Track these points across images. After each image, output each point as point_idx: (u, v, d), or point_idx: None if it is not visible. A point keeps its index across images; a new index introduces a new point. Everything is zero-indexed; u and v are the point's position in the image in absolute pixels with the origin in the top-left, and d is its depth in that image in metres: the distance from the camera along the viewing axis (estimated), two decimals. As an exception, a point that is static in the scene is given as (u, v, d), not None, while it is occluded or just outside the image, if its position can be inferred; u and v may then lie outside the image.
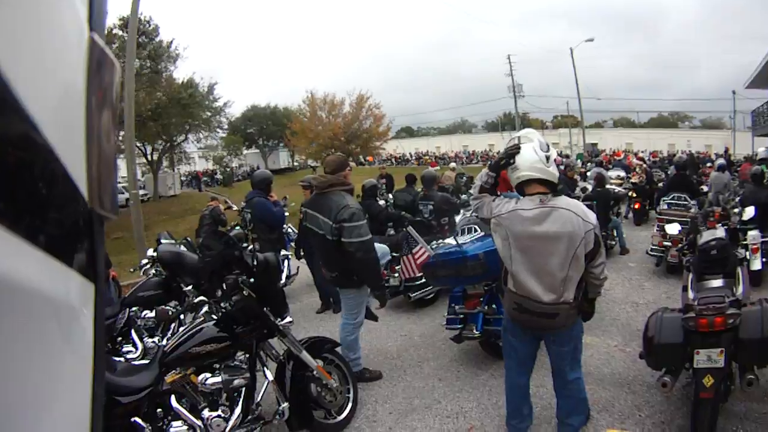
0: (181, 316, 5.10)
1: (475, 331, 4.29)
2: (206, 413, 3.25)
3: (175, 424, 3.26)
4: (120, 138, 24.54)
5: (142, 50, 20.99)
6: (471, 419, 3.76)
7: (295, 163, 50.78)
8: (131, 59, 10.15)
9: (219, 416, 3.25)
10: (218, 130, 34.50)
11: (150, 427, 3.24)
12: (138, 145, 23.36)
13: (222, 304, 3.45)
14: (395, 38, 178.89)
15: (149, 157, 30.46)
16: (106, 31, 0.48)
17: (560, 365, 3.10)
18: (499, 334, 3.98)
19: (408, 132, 72.13)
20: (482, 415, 3.78)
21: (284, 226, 7.09)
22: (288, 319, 3.54)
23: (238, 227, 8.10)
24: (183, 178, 39.67)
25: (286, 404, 3.37)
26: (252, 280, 3.31)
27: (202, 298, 3.71)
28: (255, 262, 3.39)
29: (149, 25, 22.98)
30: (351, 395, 3.90)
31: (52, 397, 0.39)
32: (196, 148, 37.94)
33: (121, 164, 33.12)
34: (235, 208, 9.11)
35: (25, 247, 0.35)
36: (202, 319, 3.42)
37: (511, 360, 3.26)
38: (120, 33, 20.64)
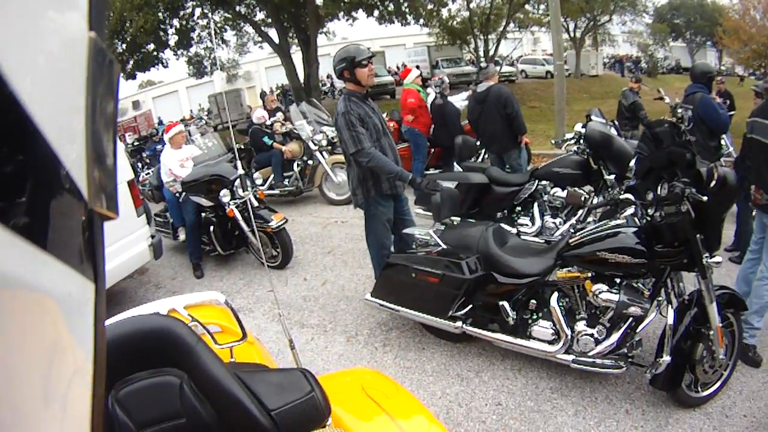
0: (595, 202, 5.09)
1: None
2: (581, 326, 3.18)
3: (541, 323, 3.33)
4: (540, 11, 28.09)
5: None
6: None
7: (722, 67, 46.21)
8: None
9: (592, 335, 3.14)
10: (644, 14, 35.65)
11: (514, 316, 3.39)
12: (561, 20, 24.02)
13: (649, 211, 3.15)
14: None
15: (572, 33, 32.43)
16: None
17: None
18: None
19: None
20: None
21: None
22: (717, 258, 3.00)
23: (667, 124, 7.16)
24: (606, 60, 40.94)
25: (667, 358, 2.94)
26: (704, 198, 2.82)
27: (629, 196, 3.46)
28: (709, 176, 2.92)
29: None
30: (725, 374, 3.26)
31: (51, 398, 0.41)
32: (620, 32, 39.67)
33: (545, 37, 38.27)
34: (667, 100, 8.29)
35: (25, 247, 0.36)
36: (622, 221, 3.21)
37: None
38: None
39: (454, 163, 6.95)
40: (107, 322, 2.01)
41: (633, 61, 42.62)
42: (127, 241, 5.10)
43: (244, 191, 5.21)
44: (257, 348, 2.25)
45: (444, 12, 24.28)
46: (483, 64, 7.26)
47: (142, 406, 1.39)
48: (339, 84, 27.97)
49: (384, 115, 8.67)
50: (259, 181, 6.17)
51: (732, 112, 7.42)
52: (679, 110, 6.00)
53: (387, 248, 4.27)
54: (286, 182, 8.39)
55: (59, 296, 0.42)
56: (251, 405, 1.39)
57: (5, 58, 0.34)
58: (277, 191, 8.45)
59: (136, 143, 16.41)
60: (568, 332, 3.19)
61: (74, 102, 0.44)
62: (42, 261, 0.39)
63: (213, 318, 2.23)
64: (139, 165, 13.30)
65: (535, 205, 5.35)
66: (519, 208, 5.47)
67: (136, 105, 41.90)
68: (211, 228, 5.93)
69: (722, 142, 6.24)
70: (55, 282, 0.42)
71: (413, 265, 3.67)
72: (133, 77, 20.62)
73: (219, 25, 21.81)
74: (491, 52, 26.56)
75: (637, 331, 3.11)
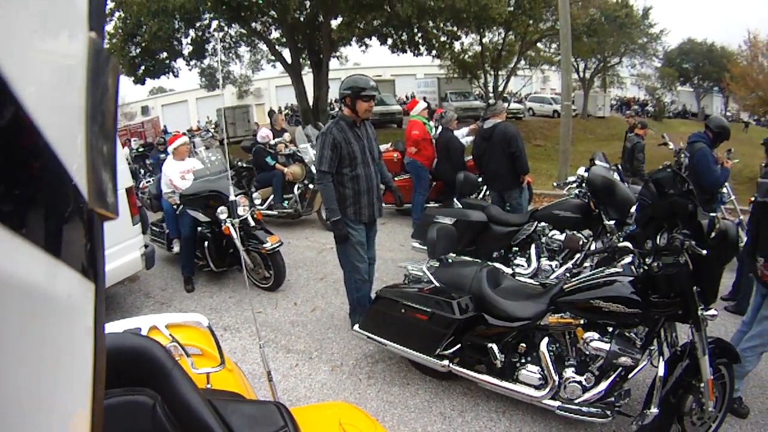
0: (593, 247, 5.05)
1: None
2: (569, 373, 3.15)
3: (529, 367, 3.29)
4: (552, 50, 28.93)
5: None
6: None
7: (728, 113, 45.96)
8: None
9: (580, 382, 3.10)
10: (654, 58, 36.22)
11: (502, 359, 3.34)
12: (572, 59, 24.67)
13: (647, 260, 3.13)
14: None
15: (581, 74, 32.97)
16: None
17: None
18: None
19: None
20: None
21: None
22: (713, 312, 2.99)
23: (669, 169, 7.22)
24: (613, 102, 41.88)
25: (655, 410, 2.89)
26: (703, 251, 2.79)
27: (627, 244, 3.41)
28: (710, 228, 2.91)
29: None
30: (714, 426, 3.21)
31: (52, 398, 0.42)
32: (629, 74, 40.03)
33: (554, 76, 39.67)
34: (671, 146, 8.54)
35: (26, 247, 0.37)
36: (619, 269, 3.18)
37: None
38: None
39: (455, 199, 6.98)
40: None
41: (640, 104, 43.13)
42: (120, 248, 5.08)
43: (233, 218, 5.22)
44: (235, 376, 2.22)
45: (457, 45, 24.51)
46: (491, 101, 7.36)
47: (112, 423, 1.38)
48: (346, 109, 28.42)
49: (388, 145, 8.77)
50: (258, 201, 6.18)
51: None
52: (682, 156, 6.06)
53: (360, 272, 4.33)
54: (285, 204, 8.40)
55: (59, 296, 0.43)
56: None
57: (6, 58, 0.34)
58: (275, 212, 8.46)
59: (140, 149, 16.43)
60: (556, 378, 3.16)
61: (74, 102, 0.44)
62: (42, 261, 0.40)
63: (194, 340, 2.21)
64: (141, 172, 13.30)
65: (533, 246, 5.33)
66: (516, 249, 5.44)
67: (144, 110, 42.16)
68: (206, 243, 5.91)
69: (723, 189, 6.27)
70: (55, 282, 0.42)
71: (403, 300, 3.64)
72: (143, 83, 20.65)
73: (234, 39, 22.02)
74: (500, 88, 26.85)
75: (627, 378, 3.08)
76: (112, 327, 2.10)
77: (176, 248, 6.41)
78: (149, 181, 9.79)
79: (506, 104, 22.50)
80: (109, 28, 18.12)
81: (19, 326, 0.37)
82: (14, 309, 0.36)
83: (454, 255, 4.37)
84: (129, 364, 1.43)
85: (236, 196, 5.48)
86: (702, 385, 2.97)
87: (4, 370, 0.35)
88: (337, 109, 28.78)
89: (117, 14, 17.74)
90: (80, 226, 0.46)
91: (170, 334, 2.07)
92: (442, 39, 21.56)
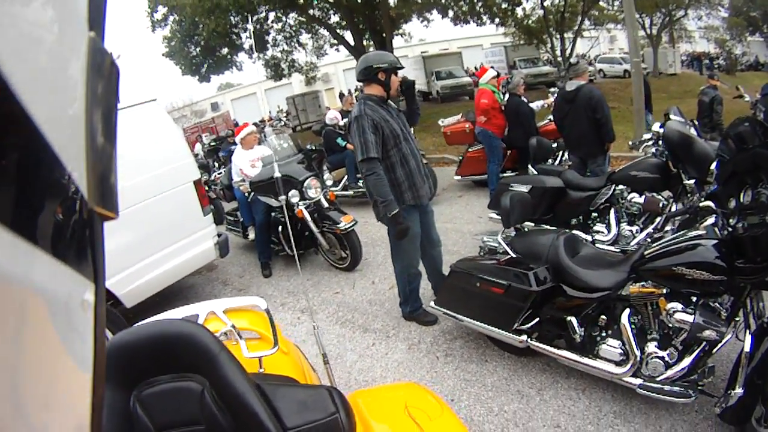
0: (674, 209, 4.74)
1: None
2: (651, 347, 2.89)
3: (610, 341, 3.06)
4: (615, 7, 27.99)
5: None
6: None
7: None
8: None
9: (662, 358, 2.84)
10: (719, 8, 34.11)
11: (582, 333, 3.15)
12: (636, 16, 23.45)
13: (731, 221, 2.80)
14: None
15: (648, 30, 31.90)
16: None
17: None
18: None
19: None
20: None
21: None
22: None
23: (747, 122, 6.63)
24: (683, 58, 39.42)
25: (740, 391, 2.57)
26: None
27: (709, 204, 3.10)
28: None
29: None
30: None
31: (51, 398, 0.43)
32: (696, 27, 38.32)
33: (621, 35, 38.18)
34: (747, 98, 7.87)
35: (25, 247, 0.37)
36: (702, 232, 2.85)
37: None
38: None
39: (530, 165, 6.74)
40: (146, 322, 2.06)
41: (709, 57, 40.51)
42: (191, 239, 5.27)
43: (301, 199, 5.20)
44: (292, 359, 2.21)
45: (519, 11, 23.82)
46: (573, 59, 7.03)
47: (163, 409, 1.43)
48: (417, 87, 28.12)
49: (459, 116, 8.61)
50: (330, 183, 6.22)
51: None
52: (758, 111, 5.44)
53: (414, 266, 4.18)
54: (359, 184, 8.41)
55: (59, 296, 0.43)
56: (268, 421, 1.39)
57: (5, 58, 0.34)
58: (350, 192, 8.54)
59: (212, 143, 17.01)
60: (638, 353, 2.92)
61: (74, 102, 0.45)
62: (42, 261, 0.40)
63: (254, 325, 2.22)
64: (215, 165, 13.77)
65: (612, 211, 5.04)
66: (595, 214, 5.17)
67: (214, 107, 43.50)
68: (280, 228, 6.01)
69: None
70: (55, 282, 0.42)
71: (478, 273, 3.50)
72: (208, 80, 21.27)
73: (293, 28, 22.20)
74: (568, 51, 25.98)
75: (712, 354, 2.80)
76: (171, 314, 2.17)
77: (251, 235, 6.58)
78: (221, 173, 10.09)
79: (588, 66, 21.76)
80: (166, 32, 18.79)
81: (18, 326, 0.37)
82: (13, 308, 0.36)
83: (532, 224, 4.17)
84: (178, 350, 1.47)
85: (307, 178, 5.54)
86: None
87: (2, 370, 0.35)
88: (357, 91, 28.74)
89: (171, 18, 18.28)
90: (80, 226, 0.47)
91: (228, 319, 2.10)
92: (503, 6, 20.93)
